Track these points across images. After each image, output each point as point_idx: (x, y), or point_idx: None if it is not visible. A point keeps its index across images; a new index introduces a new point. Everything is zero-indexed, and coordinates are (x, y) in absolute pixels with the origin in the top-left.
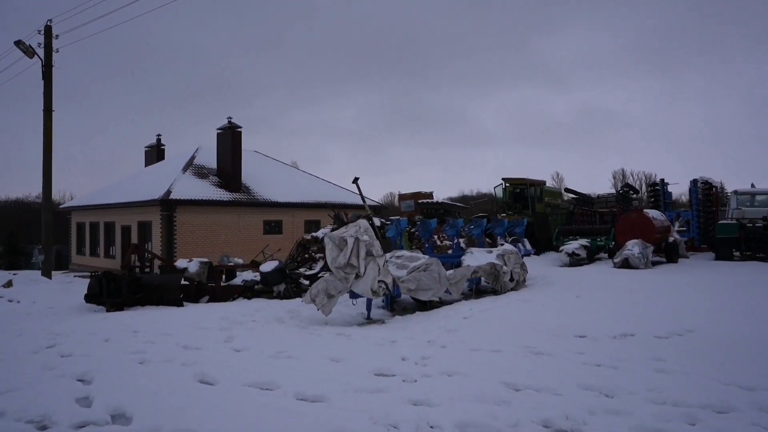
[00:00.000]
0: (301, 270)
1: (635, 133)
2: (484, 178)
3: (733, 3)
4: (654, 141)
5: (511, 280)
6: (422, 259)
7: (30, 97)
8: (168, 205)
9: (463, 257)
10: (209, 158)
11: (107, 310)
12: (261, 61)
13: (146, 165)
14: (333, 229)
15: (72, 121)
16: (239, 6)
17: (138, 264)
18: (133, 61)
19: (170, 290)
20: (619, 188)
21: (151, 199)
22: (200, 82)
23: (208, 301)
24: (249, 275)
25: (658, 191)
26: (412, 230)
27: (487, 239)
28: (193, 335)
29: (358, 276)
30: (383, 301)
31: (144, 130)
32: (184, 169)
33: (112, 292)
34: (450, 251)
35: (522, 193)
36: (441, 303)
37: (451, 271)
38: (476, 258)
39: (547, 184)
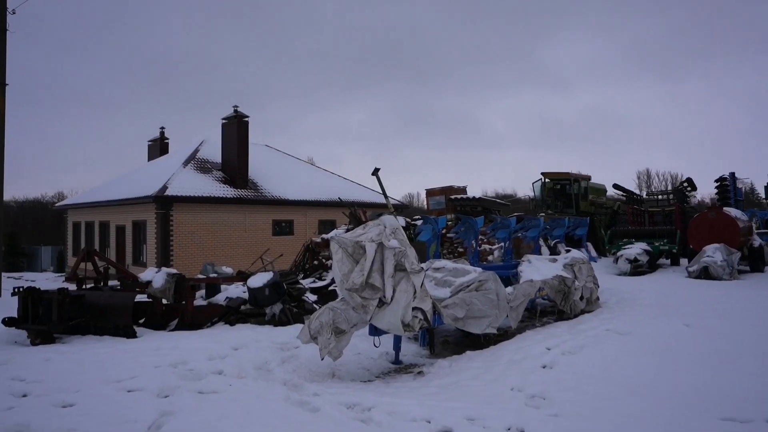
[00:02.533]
0: (306, 283)
1: (649, 134)
2: (496, 179)
3: (731, 8)
4: (664, 142)
5: (581, 298)
6: (471, 272)
7: (32, 96)
8: (163, 203)
9: (519, 268)
10: (214, 152)
11: (31, 342)
12: (273, 68)
13: (149, 160)
14: (348, 231)
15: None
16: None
17: (97, 275)
18: (148, 64)
19: (117, 314)
20: (675, 185)
21: (145, 196)
22: (216, 88)
23: (175, 329)
24: (238, 290)
25: (727, 186)
26: (447, 233)
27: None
28: (100, 410)
29: (382, 302)
30: (419, 334)
31: (157, 131)
32: (185, 163)
33: (40, 316)
34: (492, 258)
35: (563, 190)
36: (497, 334)
37: (510, 289)
38: (537, 269)
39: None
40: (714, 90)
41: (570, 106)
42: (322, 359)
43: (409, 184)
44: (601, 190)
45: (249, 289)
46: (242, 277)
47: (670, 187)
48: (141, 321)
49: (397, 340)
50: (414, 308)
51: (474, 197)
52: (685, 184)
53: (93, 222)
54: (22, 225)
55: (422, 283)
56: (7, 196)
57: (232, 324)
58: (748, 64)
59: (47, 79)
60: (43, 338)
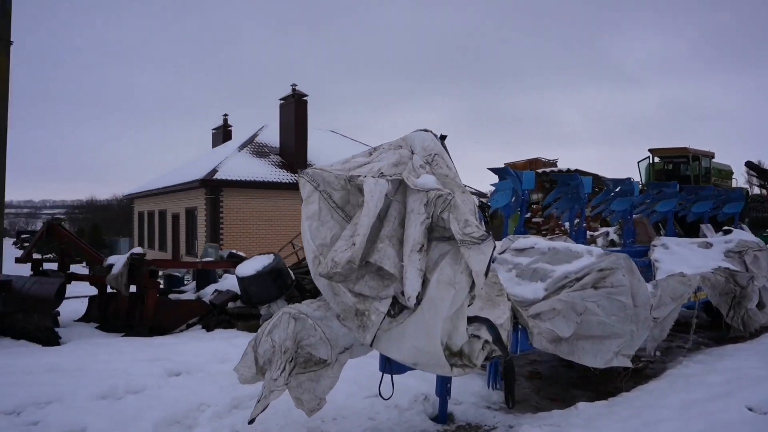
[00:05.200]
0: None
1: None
2: None
3: None
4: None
5: (761, 305)
6: (584, 255)
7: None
8: (212, 187)
9: (653, 255)
10: (275, 136)
11: None
12: (350, 72)
13: (213, 147)
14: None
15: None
16: (330, 27)
17: (63, 257)
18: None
19: (36, 311)
20: None
21: (193, 180)
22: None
23: (129, 333)
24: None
25: None
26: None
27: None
28: None
29: (399, 307)
30: (488, 373)
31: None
32: (241, 147)
33: None
34: (600, 237)
35: (677, 170)
36: (630, 368)
37: (650, 285)
38: (682, 257)
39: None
40: None
41: (647, 100)
42: (258, 405)
43: (483, 185)
44: (726, 172)
45: (238, 279)
46: (233, 261)
47: None
48: (52, 324)
49: (442, 386)
50: (472, 320)
51: (569, 170)
52: None
53: (153, 211)
54: (108, 220)
55: (489, 268)
56: (105, 195)
57: (209, 329)
58: None
59: (147, 90)
60: None
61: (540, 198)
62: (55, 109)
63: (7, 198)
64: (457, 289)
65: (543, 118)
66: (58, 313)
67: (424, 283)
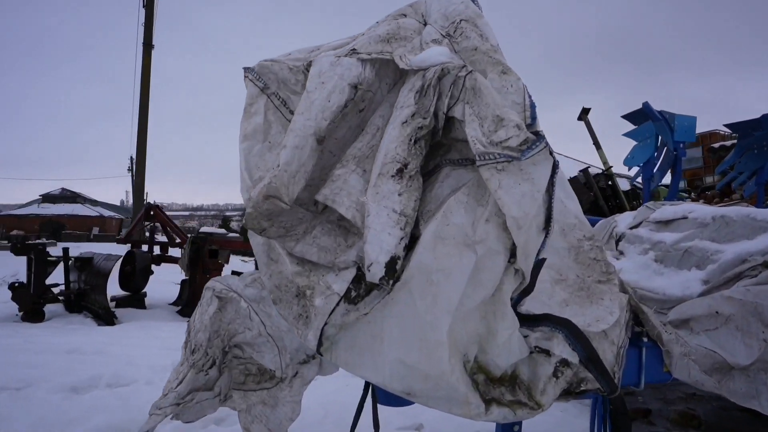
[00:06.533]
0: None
1: None
2: None
3: None
4: None
5: None
6: None
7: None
8: None
9: None
10: None
11: None
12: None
13: None
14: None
15: None
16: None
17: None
18: None
19: (96, 287)
20: None
21: None
22: None
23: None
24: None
25: None
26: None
27: None
28: None
29: (366, 287)
30: (591, 412)
31: None
32: None
33: None
34: None
35: None
36: None
37: None
38: None
39: None
40: None
41: None
42: None
43: None
44: None
45: None
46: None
47: None
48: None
49: (504, 427)
50: (536, 321)
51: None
52: None
53: None
54: None
55: (551, 211)
56: None
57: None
58: None
59: None
60: None
61: (716, 180)
62: None
63: (198, 202)
64: (480, 254)
65: (716, 104)
66: (145, 294)
67: (412, 240)
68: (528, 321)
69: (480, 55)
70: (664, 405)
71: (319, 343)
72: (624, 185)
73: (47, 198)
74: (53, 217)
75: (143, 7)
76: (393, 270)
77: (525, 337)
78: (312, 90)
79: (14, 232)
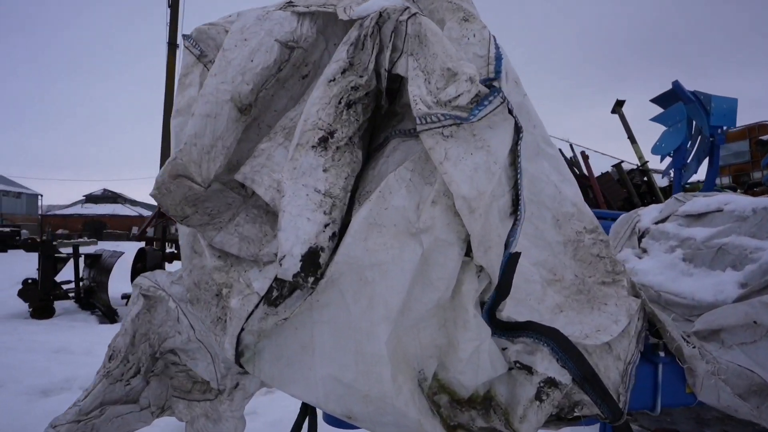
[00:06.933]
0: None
1: None
2: None
3: None
4: None
5: None
6: None
7: None
8: None
9: None
10: None
11: None
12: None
13: None
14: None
15: None
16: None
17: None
18: None
19: (99, 284)
20: None
21: None
22: None
23: None
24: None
25: None
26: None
27: None
28: None
29: (290, 285)
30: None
31: None
32: None
33: None
34: None
35: None
36: None
37: None
38: None
39: None
40: None
41: None
42: None
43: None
44: None
45: None
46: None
47: None
48: None
49: None
50: (517, 330)
51: None
52: None
53: None
54: None
55: (519, 192)
56: None
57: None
58: None
59: None
60: None
61: (764, 174)
62: None
63: None
64: (427, 246)
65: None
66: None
67: (345, 228)
68: (508, 330)
69: (439, 1)
70: (697, 426)
71: (239, 353)
72: (662, 182)
73: (90, 198)
74: (95, 217)
75: (168, 7)
76: (313, 265)
77: (503, 349)
78: (230, 48)
79: (59, 232)
